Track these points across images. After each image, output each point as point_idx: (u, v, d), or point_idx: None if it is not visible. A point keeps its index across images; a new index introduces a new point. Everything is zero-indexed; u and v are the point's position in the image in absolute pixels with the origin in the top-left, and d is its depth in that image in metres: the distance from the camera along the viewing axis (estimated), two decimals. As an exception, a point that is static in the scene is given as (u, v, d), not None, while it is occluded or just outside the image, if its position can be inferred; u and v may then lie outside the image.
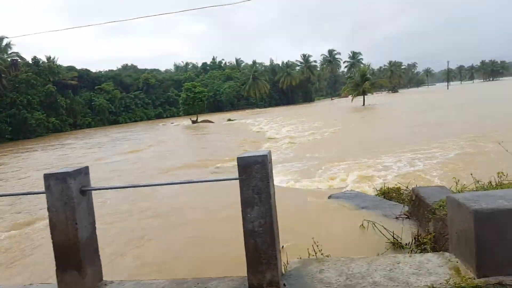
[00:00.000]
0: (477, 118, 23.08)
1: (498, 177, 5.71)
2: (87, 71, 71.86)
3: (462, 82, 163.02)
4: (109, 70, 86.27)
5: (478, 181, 6.14)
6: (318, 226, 6.16)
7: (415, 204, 5.94)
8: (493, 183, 5.92)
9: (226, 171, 13.16)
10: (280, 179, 11.37)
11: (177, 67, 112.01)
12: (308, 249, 4.13)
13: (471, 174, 6.21)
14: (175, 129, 41.04)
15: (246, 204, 3.07)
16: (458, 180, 6.88)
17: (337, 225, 6.14)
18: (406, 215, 6.09)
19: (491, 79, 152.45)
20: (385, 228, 5.17)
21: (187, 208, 8.36)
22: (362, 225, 5.73)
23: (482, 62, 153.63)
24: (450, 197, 3.25)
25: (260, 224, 3.06)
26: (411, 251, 4.46)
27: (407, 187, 7.76)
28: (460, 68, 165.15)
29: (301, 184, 10.32)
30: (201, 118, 48.58)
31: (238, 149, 18.83)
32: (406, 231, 5.52)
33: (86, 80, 69.26)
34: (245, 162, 3.05)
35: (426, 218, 5.34)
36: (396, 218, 6.07)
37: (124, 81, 75.32)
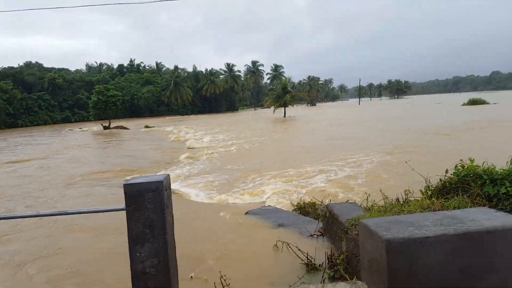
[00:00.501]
0: (388, 132, 25.32)
1: (405, 194, 5.97)
2: (-21, 67, 62.76)
3: (371, 98, 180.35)
4: (8, 67, 76.52)
5: (386, 197, 6.40)
6: (232, 248, 5.77)
7: (329, 222, 5.91)
8: (401, 200, 6.22)
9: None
10: (196, 193, 10.83)
11: (89, 67, 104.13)
12: (215, 283, 3.69)
13: (380, 190, 6.43)
14: (83, 135, 37.54)
15: (134, 240, 2.53)
16: (368, 196, 7.14)
17: (251, 245, 5.82)
18: (321, 232, 6.04)
19: (396, 97, 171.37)
20: (299, 249, 4.98)
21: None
22: (276, 245, 5.50)
23: (389, 81, 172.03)
24: (362, 223, 3.11)
25: (152, 264, 2.54)
26: (323, 280, 4.29)
27: (322, 202, 7.84)
28: (370, 85, 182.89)
29: (219, 199, 9.89)
30: (115, 123, 45.44)
31: (152, 161, 17.70)
32: (320, 250, 5.42)
33: (-22, 77, 60.58)
34: (135, 189, 2.51)
35: (339, 236, 5.31)
36: (311, 235, 5.98)
37: (26, 80, 67.46)
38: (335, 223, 5.58)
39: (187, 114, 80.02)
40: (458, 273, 2.55)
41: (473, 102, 55.75)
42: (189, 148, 22.69)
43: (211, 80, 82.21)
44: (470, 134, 21.34)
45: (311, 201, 7.84)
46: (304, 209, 7.66)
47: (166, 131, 37.48)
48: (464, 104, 56.56)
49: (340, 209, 5.83)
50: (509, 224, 2.60)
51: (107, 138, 32.53)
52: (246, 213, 7.45)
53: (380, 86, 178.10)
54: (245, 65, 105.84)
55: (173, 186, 11.85)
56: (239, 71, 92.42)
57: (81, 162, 17.67)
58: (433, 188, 5.80)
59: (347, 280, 4.40)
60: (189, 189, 11.36)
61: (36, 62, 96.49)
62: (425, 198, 5.51)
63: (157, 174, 2.94)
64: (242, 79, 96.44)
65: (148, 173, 14.24)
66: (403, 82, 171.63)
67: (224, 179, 12.58)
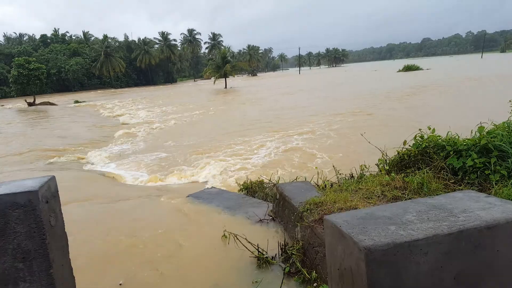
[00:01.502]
0: (335, 99, 25.52)
1: (361, 169, 5.55)
2: None
3: (311, 67, 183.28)
4: None
5: (339, 173, 5.96)
6: (172, 240, 4.96)
7: (279, 204, 5.32)
8: (355, 176, 5.81)
9: (61, 168, 10.60)
10: (132, 174, 9.71)
11: (8, 38, 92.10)
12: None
13: (333, 166, 5.97)
14: (4, 113, 33.22)
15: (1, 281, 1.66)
16: (320, 172, 6.68)
17: (194, 237, 5.05)
18: (271, 216, 5.45)
19: (335, 65, 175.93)
20: (248, 241, 4.33)
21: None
22: (224, 235, 4.79)
23: (327, 50, 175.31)
24: (329, 221, 2.46)
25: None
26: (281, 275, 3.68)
27: (270, 180, 7.26)
28: (309, 54, 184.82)
29: (156, 181, 8.89)
30: (41, 99, 40.88)
31: (84, 140, 15.88)
32: (272, 238, 4.83)
33: None
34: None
35: (292, 222, 4.74)
36: (261, 220, 5.36)
37: None
38: (287, 206, 5.00)
39: (121, 87, 74.77)
40: (452, 281, 2.04)
41: (408, 68, 58.85)
42: (123, 124, 20.87)
43: (145, 50, 76.93)
44: (417, 99, 22.21)
45: (258, 180, 7.23)
46: (251, 189, 7.03)
47: (98, 106, 34.50)
48: (399, 71, 59.53)
49: (291, 189, 5.26)
50: None
51: (31, 115, 29.00)
52: (188, 196, 6.63)
53: (319, 55, 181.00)
54: (181, 34, 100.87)
55: (107, 167, 10.57)
56: (175, 40, 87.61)
57: (12, 138, 15.31)
58: (390, 162, 5.44)
59: (306, 276, 3.88)
60: (124, 171, 10.18)
61: None
62: (383, 173, 5.12)
63: (35, 177, 1.87)
64: (179, 48, 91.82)
65: (77, 153, 12.64)
66: (340, 50, 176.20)
67: (163, 157, 11.52)
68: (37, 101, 38.93)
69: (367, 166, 5.54)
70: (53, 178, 1.92)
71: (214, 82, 54.43)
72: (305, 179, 6.86)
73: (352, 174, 5.94)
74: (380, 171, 5.45)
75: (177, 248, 4.84)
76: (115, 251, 4.70)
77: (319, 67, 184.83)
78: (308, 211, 4.34)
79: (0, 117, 28.57)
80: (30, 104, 38.01)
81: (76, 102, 40.36)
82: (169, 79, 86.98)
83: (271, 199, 6.91)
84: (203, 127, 17.67)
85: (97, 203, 6.82)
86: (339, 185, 5.41)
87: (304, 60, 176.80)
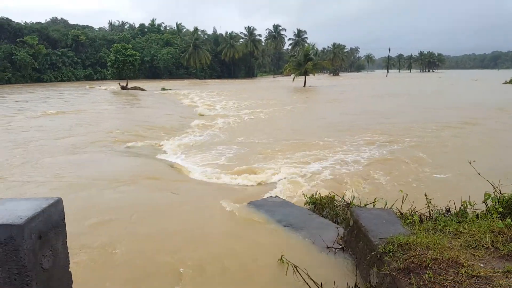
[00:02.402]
0: (428, 109, 23.11)
1: (463, 206, 4.42)
2: (8, 21, 62.70)
3: (400, 70, 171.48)
4: (35, 22, 76.17)
5: (432, 204, 4.87)
6: (222, 255, 4.44)
7: (353, 232, 4.46)
8: (453, 210, 4.69)
9: (136, 153, 10.90)
10: (198, 168, 9.52)
11: (112, 26, 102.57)
12: None
13: (425, 195, 4.88)
14: (100, 94, 36.66)
15: None
16: (405, 197, 5.61)
17: (247, 256, 4.46)
18: (341, 245, 4.61)
19: (428, 70, 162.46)
20: (309, 277, 3.59)
21: None
22: (281, 259, 4.12)
23: (421, 53, 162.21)
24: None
25: None
26: None
27: (342, 198, 6.37)
28: (400, 57, 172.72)
29: (221, 178, 8.54)
30: (133, 84, 44.34)
31: (162, 127, 16.44)
32: (339, 274, 4.03)
33: (6, 30, 60.77)
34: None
35: (367, 261, 3.87)
36: (327, 248, 4.56)
37: (51, 35, 66.96)
38: (362, 239, 4.13)
39: (205, 78, 78.06)
40: None
41: (517, 80, 51.32)
42: (200, 115, 21.32)
43: (231, 44, 79.01)
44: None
45: (329, 195, 6.39)
46: (319, 205, 6.23)
47: (181, 95, 36.14)
48: (506, 83, 52.31)
49: (369, 218, 4.36)
50: None
51: (122, 98, 31.52)
52: (249, 203, 6.08)
53: (410, 57, 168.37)
54: (266, 29, 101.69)
55: (176, 158, 10.58)
56: (260, 35, 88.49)
57: (86, 124, 16.61)
58: (504, 200, 4.23)
59: None
60: (191, 163, 10.08)
61: (62, 18, 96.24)
62: (494, 216, 3.95)
63: (40, 198, 1.28)
64: (263, 44, 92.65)
65: (154, 140, 13.01)
66: (436, 54, 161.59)
67: (233, 153, 11.22)
68: (129, 85, 42.29)
69: (472, 203, 4.39)
70: (58, 202, 1.42)
71: (293, 80, 53.66)
72: (386, 204, 5.83)
73: (449, 208, 4.79)
74: (490, 211, 4.26)
75: (229, 265, 4.30)
76: (156, 260, 4.31)
77: (409, 71, 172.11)
78: (391, 253, 3.44)
79: (95, 98, 31.53)
80: (122, 88, 41.47)
81: (163, 89, 42.90)
82: (250, 74, 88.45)
83: (341, 220, 6.05)
84: (277, 126, 17.11)
85: (153, 201, 6.66)
86: (432, 221, 4.35)
87: (393, 63, 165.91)
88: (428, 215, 5.03)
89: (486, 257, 3.34)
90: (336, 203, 6.32)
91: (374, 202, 6.06)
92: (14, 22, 64.16)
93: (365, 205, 6.01)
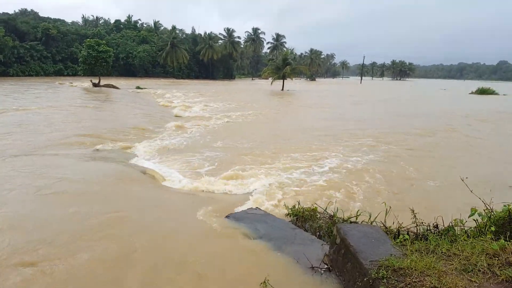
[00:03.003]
0: (405, 115, 23.50)
1: (454, 223, 4.23)
2: (-29, 10, 58.79)
3: (373, 78, 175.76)
4: (2, 12, 72.46)
5: (420, 220, 4.67)
6: (202, 277, 4.03)
7: (339, 252, 4.17)
8: (440, 228, 4.49)
9: (105, 157, 10.25)
10: (173, 174, 9.04)
11: (85, 20, 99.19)
12: None
13: (412, 210, 4.67)
14: (71, 91, 35.09)
15: None
16: (389, 209, 5.39)
17: (227, 278, 4.07)
18: (327, 264, 4.32)
19: (399, 78, 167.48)
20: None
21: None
22: (265, 283, 3.77)
23: (393, 62, 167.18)
24: None
25: None
26: None
27: (325, 210, 6.11)
28: (373, 64, 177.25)
29: (197, 186, 8.09)
30: (106, 81, 42.79)
31: (135, 128, 15.73)
32: (326, 300, 3.73)
33: (-31, 20, 56.91)
34: None
35: (358, 286, 3.58)
36: (313, 268, 4.26)
37: (19, 27, 63.81)
38: (350, 259, 3.85)
39: (182, 78, 76.76)
40: None
41: (482, 91, 53.72)
42: (176, 116, 20.68)
43: (210, 45, 78.12)
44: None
45: (311, 207, 6.11)
46: (302, 217, 5.94)
47: (156, 94, 35.21)
48: (472, 93, 54.59)
49: (357, 236, 4.09)
50: None
51: (93, 96, 30.23)
52: (227, 216, 5.70)
53: (383, 65, 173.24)
54: (245, 32, 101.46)
55: (149, 163, 10.04)
56: (239, 37, 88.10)
57: (54, 123, 15.64)
58: (495, 218, 4.07)
59: None
60: (166, 168, 9.58)
61: (32, 10, 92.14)
62: (488, 236, 3.76)
63: None
64: (242, 46, 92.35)
65: (124, 142, 12.36)
66: (407, 63, 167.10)
67: (210, 158, 10.79)
68: (102, 83, 40.76)
69: (462, 221, 4.20)
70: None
71: (271, 83, 53.61)
72: (370, 217, 5.61)
73: (437, 224, 4.60)
74: (482, 230, 4.09)
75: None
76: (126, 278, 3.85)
77: (382, 78, 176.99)
78: (385, 279, 3.17)
79: (65, 95, 30.10)
80: (94, 85, 39.92)
81: (138, 88, 41.67)
82: (228, 75, 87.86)
83: (324, 233, 5.78)
84: (256, 129, 16.79)
85: (123, 210, 6.14)
86: (423, 241, 4.13)
87: (367, 70, 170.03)
88: (415, 231, 4.85)
89: (484, 284, 3.12)
90: (319, 215, 6.06)
91: (357, 215, 5.83)
92: (-23, 12, 60.79)
93: (349, 218, 5.77)
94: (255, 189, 7.88)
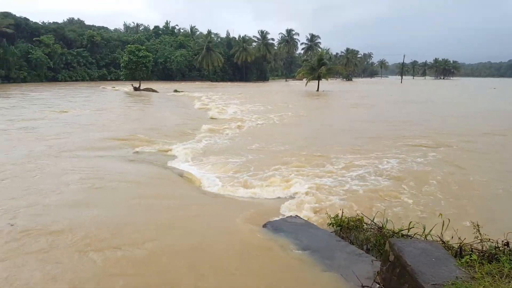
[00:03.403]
0: (457, 117, 22.16)
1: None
2: (25, 20, 63.65)
3: (414, 77, 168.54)
4: (52, 22, 77.18)
5: (486, 236, 4.12)
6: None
7: (394, 270, 3.72)
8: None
9: (144, 159, 10.30)
10: (209, 177, 8.86)
11: (127, 27, 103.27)
12: None
13: (476, 225, 4.12)
14: (113, 95, 36.46)
15: None
16: (448, 221, 4.84)
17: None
18: (378, 284, 3.88)
19: (442, 77, 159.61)
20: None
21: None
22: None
23: (436, 60, 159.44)
24: None
25: None
26: None
27: (372, 221, 5.62)
28: (414, 63, 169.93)
29: (233, 190, 7.86)
30: (145, 85, 44.15)
31: (172, 130, 15.89)
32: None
33: (24, 30, 61.60)
34: None
35: (418, 314, 3.13)
36: (363, 287, 3.84)
37: (67, 35, 67.70)
38: (407, 281, 3.40)
39: (217, 81, 77.77)
40: None
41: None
42: (211, 118, 20.73)
43: (244, 48, 78.54)
44: None
45: (357, 217, 5.64)
46: (346, 228, 5.50)
47: (193, 97, 35.66)
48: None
49: (414, 253, 3.62)
50: None
51: (134, 99, 31.23)
52: (265, 225, 5.39)
53: (425, 64, 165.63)
54: (279, 33, 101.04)
55: (186, 165, 9.96)
56: (272, 39, 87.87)
57: (99, 124, 16.20)
58: None
59: None
60: (202, 171, 9.44)
61: (78, 19, 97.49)
62: None
63: None
64: (275, 48, 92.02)
65: (163, 145, 12.44)
66: (451, 62, 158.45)
67: (246, 161, 10.54)
68: (142, 87, 42.08)
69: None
70: None
71: (306, 84, 52.84)
72: (424, 230, 5.08)
73: (507, 241, 4.02)
74: None
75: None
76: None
77: (423, 77, 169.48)
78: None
79: (109, 99, 31.29)
80: (135, 89, 41.28)
81: (175, 91, 42.57)
82: (262, 77, 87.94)
83: (372, 247, 5.31)
84: (293, 132, 16.36)
85: (158, 217, 6.01)
86: (493, 260, 3.60)
87: (407, 69, 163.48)
88: (480, 248, 4.29)
89: None
90: (365, 226, 5.59)
91: (409, 227, 5.30)
92: (31, 21, 64.96)
93: (400, 230, 5.26)
94: (293, 195, 7.52)
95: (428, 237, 5.10)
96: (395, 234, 5.24)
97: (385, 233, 5.24)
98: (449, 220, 4.96)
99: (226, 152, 11.86)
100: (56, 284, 3.76)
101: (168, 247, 4.79)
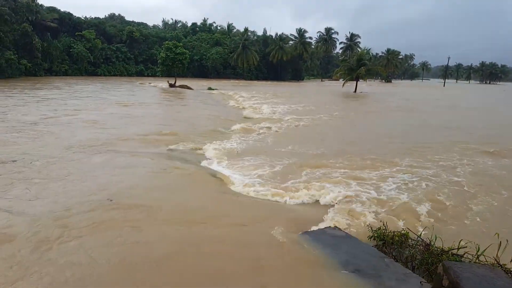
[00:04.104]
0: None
1: None
2: (69, 15, 66.62)
3: (457, 81, 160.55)
4: (94, 17, 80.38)
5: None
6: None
7: (449, 299, 3.32)
8: None
9: (178, 157, 10.30)
10: (244, 181, 8.63)
11: (165, 23, 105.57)
12: None
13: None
14: (150, 91, 37.38)
15: None
16: (506, 242, 4.34)
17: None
18: (429, 312, 3.49)
19: (488, 82, 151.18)
20: None
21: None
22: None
23: (482, 63, 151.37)
24: None
25: None
26: None
27: (419, 236, 5.17)
28: (458, 66, 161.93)
29: (266, 193, 7.62)
30: (180, 82, 44.88)
31: (205, 128, 15.90)
32: None
33: (67, 24, 64.47)
34: None
35: None
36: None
37: (107, 31, 70.21)
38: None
39: (251, 79, 77.73)
40: None
41: None
42: (245, 117, 20.59)
43: (280, 46, 77.87)
44: None
45: (402, 231, 5.21)
46: (390, 243, 5.09)
47: (227, 95, 35.79)
48: None
49: (473, 280, 3.20)
50: None
51: (169, 96, 31.85)
52: (303, 235, 5.09)
53: (470, 67, 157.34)
54: (317, 32, 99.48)
55: (218, 166, 9.83)
56: (310, 38, 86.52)
57: (135, 120, 16.57)
58: None
59: None
60: (234, 173, 9.26)
61: (119, 14, 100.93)
62: None
63: None
64: (313, 46, 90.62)
65: (196, 143, 12.42)
66: (499, 66, 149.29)
67: (280, 163, 10.25)
68: (177, 84, 42.78)
69: None
70: None
71: (343, 85, 51.59)
72: (478, 250, 4.60)
73: None
74: None
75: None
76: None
77: (468, 81, 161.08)
78: None
79: (147, 95, 32.07)
80: (171, 85, 42.04)
81: (210, 88, 42.94)
82: (297, 76, 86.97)
83: (418, 264, 4.88)
84: (329, 134, 15.85)
85: (200, 220, 5.88)
86: None
87: (451, 72, 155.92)
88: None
89: None
90: (410, 241, 5.15)
91: (459, 246, 4.84)
92: (74, 16, 67.77)
93: (450, 249, 4.80)
94: (330, 202, 7.16)
95: (481, 258, 4.63)
96: (444, 253, 4.79)
97: (433, 251, 4.81)
98: (507, 241, 4.47)
99: (259, 153, 11.63)
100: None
101: (208, 249, 4.63)
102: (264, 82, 71.30)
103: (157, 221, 5.64)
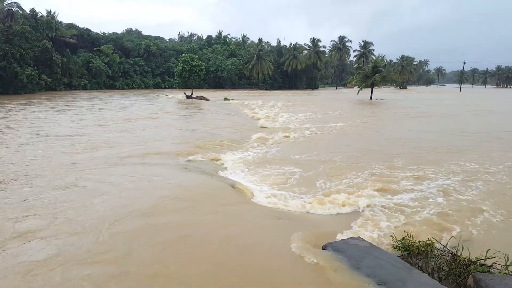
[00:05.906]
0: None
1: None
2: (88, 31, 68.85)
3: (473, 85, 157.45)
4: (112, 32, 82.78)
5: None
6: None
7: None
8: None
9: (197, 168, 10.41)
10: (264, 191, 8.66)
11: (181, 37, 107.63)
12: None
13: None
14: (167, 102, 38.03)
15: None
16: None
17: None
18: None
19: (505, 86, 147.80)
20: None
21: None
22: None
23: (498, 68, 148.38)
24: None
25: None
26: None
27: (445, 246, 5.08)
28: (474, 71, 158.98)
29: (287, 204, 7.62)
30: (197, 93, 45.50)
31: (223, 137, 16.07)
32: None
33: (86, 40, 66.53)
34: None
35: None
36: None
37: (125, 45, 72.15)
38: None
39: (266, 89, 78.19)
40: None
41: None
42: (261, 127, 20.68)
43: (294, 56, 78.29)
44: None
45: (427, 242, 5.14)
46: (416, 253, 5.02)
47: (243, 105, 36.05)
48: None
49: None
50: None
51: (186, 107, 32.29)
52: (324, 247, 5.07)
53: (486, 72, 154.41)
54: (331, 41, 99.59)
55: (237, 176, 9.91)
56: (324, 46, 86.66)
57: (153, 132, 16.86)
58: None
59: None
60: (254, 184, 9.31)
61: (136, 29, 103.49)
62: None
63: None
64: (327, 55, 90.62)
65: (214, 153, 12.56)
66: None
67: (299, 173, 10.25)
68: (194, 95, 43.39)
69: None
70: None
71: (358, 92, 51.29)
72: (507, 261, 4.49)
73: None
74: None
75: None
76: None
77: (484, 86, 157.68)
78: None
79: (163, 107, 32.60)
80: (187, 97, 42.66)
81: (226, 99, 43.35)
82: (311, 85, 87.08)
83: (445, 275, 4.79)
84: (349, 143, 15.66)
85: (210, 231, 5.93)
86: None
87: (466, 77, 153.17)
88: None
89: None
90: (436, 251, 5.07)
91: (486, 257, 4.74)
92: (93, 32, 70.05)
93: (477, 259, 4.70)
94: (352, 212, 7.11)
95: (510, 269, 4.52)
96: (472, 264, 4.70)
97: (461, 262, 4.72)
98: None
99: (277, 162, 11.66)
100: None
101: (221, 265, 4.68)
102: (279, 91, 71.52)
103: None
